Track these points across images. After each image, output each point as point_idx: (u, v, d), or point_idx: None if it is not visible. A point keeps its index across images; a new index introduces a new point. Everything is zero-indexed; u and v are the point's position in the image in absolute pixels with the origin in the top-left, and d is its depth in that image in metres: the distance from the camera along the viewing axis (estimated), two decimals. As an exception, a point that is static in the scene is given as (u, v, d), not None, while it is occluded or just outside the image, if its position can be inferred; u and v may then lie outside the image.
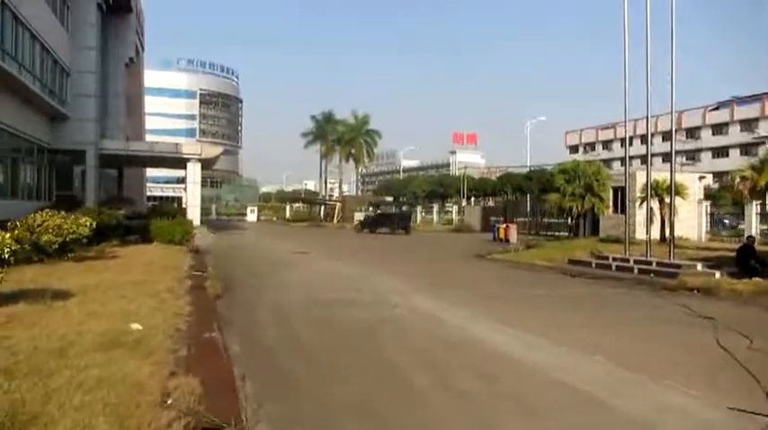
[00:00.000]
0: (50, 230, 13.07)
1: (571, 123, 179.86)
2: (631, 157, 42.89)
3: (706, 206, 34.42)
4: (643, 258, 17.83)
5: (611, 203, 32.16)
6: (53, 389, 4.52)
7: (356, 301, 10.45)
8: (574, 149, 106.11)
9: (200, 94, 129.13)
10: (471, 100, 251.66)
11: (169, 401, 4.55)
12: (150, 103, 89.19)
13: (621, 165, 77.82)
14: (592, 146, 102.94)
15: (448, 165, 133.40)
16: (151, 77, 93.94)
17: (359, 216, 48.40)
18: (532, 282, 14.80)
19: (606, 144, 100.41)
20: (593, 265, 18.30)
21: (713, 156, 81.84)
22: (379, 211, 47.30)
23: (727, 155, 78.20)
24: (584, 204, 30.41)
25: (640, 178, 33.15)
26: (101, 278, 11.20)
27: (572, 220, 34.96)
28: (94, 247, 17.10)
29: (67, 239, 13.27)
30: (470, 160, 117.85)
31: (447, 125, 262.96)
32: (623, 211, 34.47)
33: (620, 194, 34.21)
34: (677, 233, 28.20)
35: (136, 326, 6.82)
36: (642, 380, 5.88)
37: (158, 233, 21.54)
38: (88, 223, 13.82)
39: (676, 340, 7.90)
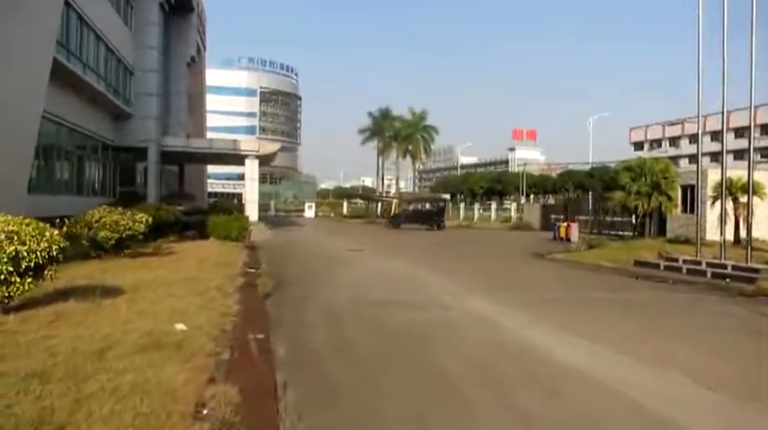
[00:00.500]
0: (107, 226, 13.18)
1: (634, 120, 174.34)
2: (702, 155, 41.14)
3: (781, 205, 32.51)
4: (717, 261, 16.75)
5: (679, 202, 30.71)
6: (85, 396, 4.30)
7: (408, 302, 10.06)
8: (638, 146, 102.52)
9: (261, 92, 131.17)
10: (530, 95, 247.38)
11: (204, 411, 4.27)
12: (212, 101, 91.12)
13: (690, 162, 75.21)
14: (658, 143, 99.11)
15: (506, 161, 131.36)
16: (213, 76, 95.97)
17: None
18: (595, 284, 14.05)
19: (673, 141, 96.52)
20: (662, 268, 17.33)
21: (790, 155, 77.58)
22: (411, 207, 46.16)
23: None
24: (650, 203, 29.09)
25: (712, 176, 31.52)
26: (154, 275, 11.17)
27: (637, 220, 33.62)
28: (152, 243, 17.33)
29: (124, 236, 13.36)
30: (530, 157, 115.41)
31: (505, 121, 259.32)
32: (692, 211, 33.03)
33: (690, 193, 32.69)
34: (754, 235, 26.73)
35: (180, 326, 6.62)
36: (723, 402, 5.27)
37: (215, 229, 21.69)
38: (144, 219, 13.89)
39: (763, 354, 7.18)
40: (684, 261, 17.41)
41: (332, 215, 68.90)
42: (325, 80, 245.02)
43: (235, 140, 41.24)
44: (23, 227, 7.09)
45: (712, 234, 30.14)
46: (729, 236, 27.09)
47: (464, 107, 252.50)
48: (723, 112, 18.12)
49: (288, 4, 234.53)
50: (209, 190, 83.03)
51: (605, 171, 69.25)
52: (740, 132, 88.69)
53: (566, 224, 34.47)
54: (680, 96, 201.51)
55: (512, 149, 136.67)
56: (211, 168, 69.69)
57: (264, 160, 43.56)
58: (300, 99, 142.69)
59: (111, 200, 30.27)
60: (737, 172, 25.93)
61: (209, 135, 57.95)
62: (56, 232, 7.34)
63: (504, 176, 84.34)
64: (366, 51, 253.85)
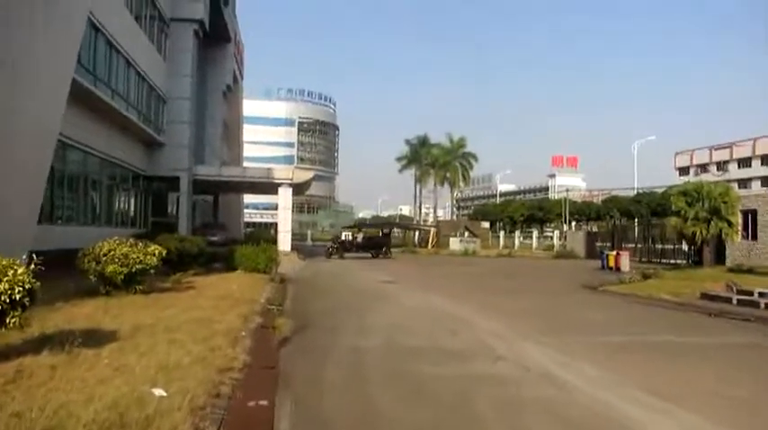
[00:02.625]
0: (116, 260, 11.97)
1: (676, 145, 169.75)
2: (749, 179, 38.48)
3: None
4: (803, 295, 14.77)
5: (740, 229, 28.46)
6: None
7: (448, 350, 8.46)
8: (684, 171, 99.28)
9: (299, 122, 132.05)
10: (570, 122, 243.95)
11: None
12: (251, 132, 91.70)
13: (740, 187, 71.61)
14: (704, 167, 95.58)
15: (546, 188, 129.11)
16: (252, 107, 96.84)
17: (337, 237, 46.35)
18: (665, 323, 12.19)
19: (721, 165, 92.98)
20: (734, 302, 15.35)
21: None
22: (360, 236, 41.24)
23: None
24: (708, 229, 26.91)
25: (776, 200, 29.36)
26: (161, 315, 9.87)
27: (692, 247, 31.41)
28: (172, 277, 16.14)
29: (134, 270, 12.12)
30: (571, 183, 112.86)
31: (545, 148, 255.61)
32: (755, 237, 30.68)
33: (752, 218, 30.45)
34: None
35: (159, 392, 5.20)
36: None
37: (242, 261, 20.49)
38: (157, 252, 12.66)
39: None
40: (761, 294, 15.41)
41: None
42: (362, 109, 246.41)
43: (268, 168, 40.48)
44: (-21, 265, 5.84)
45: (779, 263, 27.86)
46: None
47: (503, 134, 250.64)
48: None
49: (327, 35, 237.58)
50: (248, 220, 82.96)
51: (652, 197, 66.72)
52: (765, 159, 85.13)
53: (615, 253, 32.43)
54: (725, 120, 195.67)
55: (552, 176, 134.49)
56: (249, 198, 69.36)
57: (299, 188, 42.63)
58: (338, 128, 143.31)
59: (143, 230, 29.53)
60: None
61: (247, 165, 57.55)
62: (21, 270, 6.05)
63: (545, 203, 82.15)
64: (404, 80, 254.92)
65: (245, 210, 74.30)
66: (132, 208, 31.68)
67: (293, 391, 6.10)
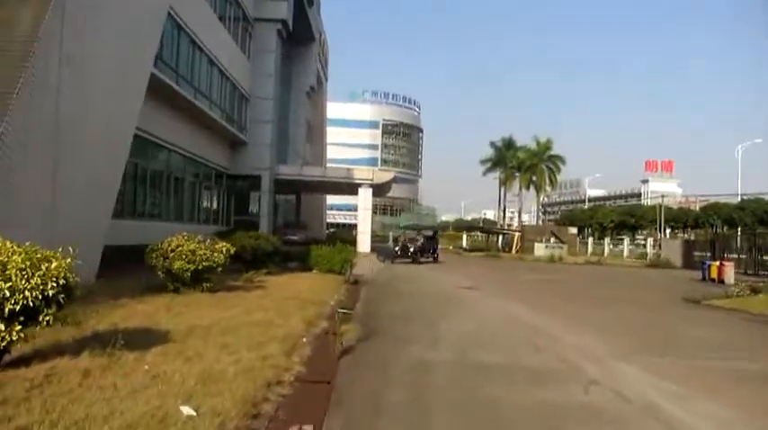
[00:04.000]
0: (183, 256, 11.61)
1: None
2: None
3: None
4: None
5: None
6: None
7: (532, 370, 7.38)
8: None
9: (383, 125, 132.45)
10: (664, 124, 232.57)
11: None
12: (336, 134, 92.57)
13: None
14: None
15: (638, 194, 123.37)
16: (337, 109, 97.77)
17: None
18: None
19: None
20: None
21: None
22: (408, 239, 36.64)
23: None
24: (831, 240, 24.18)
25: None
26: (221, 316, 9.34)
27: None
28: (244, 275, 15.78)
29: (200, 267, 11.72)
30: (665, 189, 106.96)
31: (637, 152, 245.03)
32: None
33: None
34: None
35: (188, 410, 4.51)
36: None
37: (317, 261, 20.03)
38: (224, 249, 12.23)
39: None
40: None
41: (450, 248, 66.27)
42: (447, 112, 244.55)
43: (348, 169, 40.15)
44: (12, 257, 5.35)
45: None
46: None
47: (592, 137, 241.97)
48: None
49: (412, 37, 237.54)
50: (331, 220, 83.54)
51: (758, 204, 62.03)
52: None
53: (718, 263, 29.85)
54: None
55: (645, 181, 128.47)
56: (333, 199, 69.73)
57: (379, 190, 42.13)
58: (422, 131, 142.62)
59: (226, 228, 29.81)
60: None
61: (331, 166, 57.71)
62: (56, 264, 5.53)
63: (637, 210, 78.25)
64: (490, 81, 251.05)
65: (329, 211, 74.71)
66: (215, 205, 32.07)
67: (346, 414, 5.26)
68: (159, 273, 11.86)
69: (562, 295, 19.20)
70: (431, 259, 32.68)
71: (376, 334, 9.31)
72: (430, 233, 37.57)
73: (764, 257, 37.33)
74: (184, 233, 12.42)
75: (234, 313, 9.72)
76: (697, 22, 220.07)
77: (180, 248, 11.75)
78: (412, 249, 32.02)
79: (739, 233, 49.99)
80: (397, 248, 33.84)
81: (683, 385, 6.80)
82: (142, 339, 7.05)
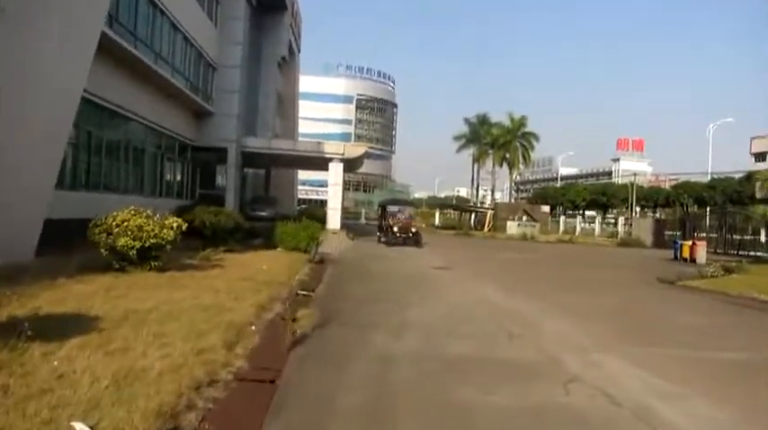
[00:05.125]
0: (129, 232, 10.60)
1: (754, 128, 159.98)
2: None
3: None
4: None
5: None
6: None
7: (504, 362, 6.61)
8: (760, 157, 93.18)
9: (357, 99, 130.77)
10: (635, 103, 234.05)
11: None
12: (308, 108, 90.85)
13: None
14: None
15: (609, 173, 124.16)
16: (310, 82, 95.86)
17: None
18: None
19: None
20: None
21: None
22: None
23: None
24: (804, 220, 24.02)
25: None
26: (165, 299, 8.41)
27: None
28: (201, 253, 14.79)
29: (147, 244, 10.73)
30: (636, 168, 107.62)
31: (608, 131, 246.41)
32: None
33: None
34: None
35: (81, 427, 3.62)
36: None
37: (282, 238, 19.09)
38: (175, 225, 11.24)
39: None
40: None
41: (423, 226, 65.63)
42: (421, 87, 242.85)
43: (319, 142, 38.92)
44: None
45: None
46: None
47: (565, 116, 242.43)
48: None
49: (388, 12, 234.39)
50: (303, 196, 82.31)
51: (728, 183, 62.37)
52: None
53: (690, 242, 29.65)
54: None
55: (616, 160, 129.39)
56: (305, 175, 68.45)
57: (351, 164, 41.06)
58: (396, 107, 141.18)
59: (190, 202, 28.60)
60: None
61: (302, 140, 56.36)
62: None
63: (609, 188, 78.37)
64: (464, 57, 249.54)
65: (301, 187, 73.50)
66: (179, 178, 30.78)
67: (285, 425, 4.41)
68: (102, 250, 10.84)
69: (536, 276, 18.62)
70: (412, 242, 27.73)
71: (336, 320, 8.46)
72: (406, 210, 32.82)
73: (735, 236, 37.44)
74: (132, 207, 11.38)
75: (180, 295, 8.80)
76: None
77: (125, 224, 10.74)
78: (396, 229, 28.23)
79: (709, 212, 50.23)
80: (380, 234, 30.13)
81: (673, 381, 6.08)
82: (63, 327, 6.13)
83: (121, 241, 10.53)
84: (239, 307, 8.25)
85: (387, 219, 30.07)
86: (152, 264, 11.09)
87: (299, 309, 8.83)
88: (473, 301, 11.49)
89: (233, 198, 32.66)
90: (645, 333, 9.01)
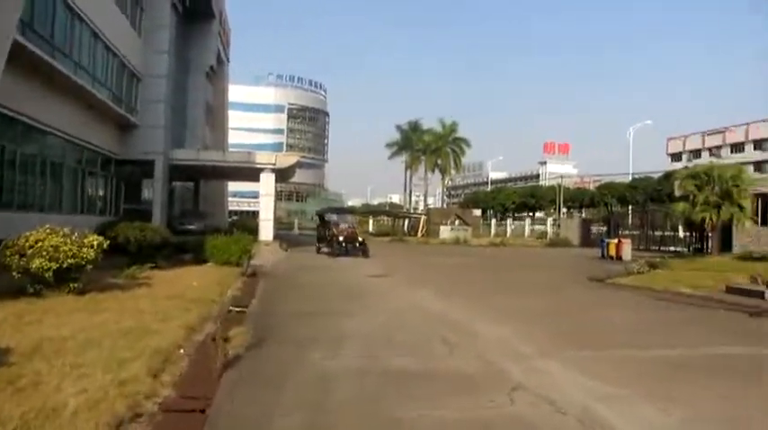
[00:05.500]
0: (44, 253, 9.91)
1: (669, 130, 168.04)
2: (743, 164, 37.53)
3: None
4: None
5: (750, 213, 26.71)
6: None
7: (445, 373, 6.45)
8: (676, 157, 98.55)
9: (289, 109, 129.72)
10: (561, 108, 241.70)
11: None
12: (239, 118, 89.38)
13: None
14: (696, 153, 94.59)
15: (537, 176, 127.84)
16: (240, 92, 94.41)
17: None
18: (710, 327, 10.13)
19: (713, 150, 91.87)
20: (767, 297, 13.55)
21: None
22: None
23: None
24: (719, 215, 25.19)
25: (790, 184, 27.65)
26: (85, 324, 7.85)
27: (702, 234, 29.82)
28: (126, 271, 14.07)
29: (65, 265, 10.05)
30: (562, 170, 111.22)
31: (536, 135, 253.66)
32: (764, 223, 29.00)
33: (761, 203, 28.76)
34: None
35: None
36: None
37: (213, 252, 18.47)
38: (95, 244, 10.59)
39: None
40: (801, 288, 13.62)
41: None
42: (353, 96, 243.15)
43: (249, 153, 38.21)
44: None
45: (794, 251, 26.16)
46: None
47: (494, 121, 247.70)
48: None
49: (318, 20, 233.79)
50: (235, 208, 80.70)
51: (648, 182, 65.16)
52: (759, 144, 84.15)
53: (616, 241, 30.73)
54: (718, 105, 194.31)
55: (543, 163, 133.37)
56: (236, 186, 67.18)
57: (283, 174, 40.47)
58: (328, 115, 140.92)
59: (114, 218, 27.41)
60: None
61: (232, 151, 55.21)
62: None
63: (538, 191, 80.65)
64: (395, 66, 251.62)
65: (232, 198, 72.10)
66: (102, 194, 29.50)
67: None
68: (14, 273, 10.08)
69: (471, 280, 18.72)
70: (359, 252, 25.87)
71: (271, 337, 8.10)
72: (348, 218, 31.17)
73: (656, 233, 39.09)
74: (48, 226, 10.66)
75: (102, 319, 8.24)
76: (594, 6, 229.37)
77: (40, 244, 10.02)
78: (342, 238, 26.12)
79: (631, 211, 52.28)
80: (321, 245, 28.59)
81: (615, 384, 6.05)
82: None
83: (36, 263, 9.81)
84: (166, 329, 7.79)
85: (329, 229, 28.23)
86: (71, 286, 10.39)
87: (232, 327, 8.44)
88: (411, 310, 11.34)
89: (160, 212, 31.56)
90: (582, 334, 9.07)
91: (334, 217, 30.44)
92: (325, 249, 27.61)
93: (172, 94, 33.92)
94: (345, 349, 7.61)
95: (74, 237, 10.40)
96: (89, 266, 10.55)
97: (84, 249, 10.29)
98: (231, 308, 10.35)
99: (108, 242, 11.18)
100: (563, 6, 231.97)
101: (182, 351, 6.84)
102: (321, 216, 32.08)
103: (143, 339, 7.07)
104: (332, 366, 6.65)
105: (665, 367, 6.99)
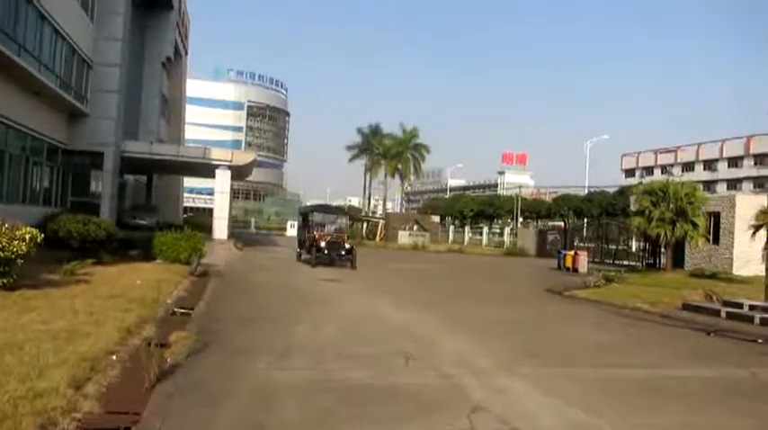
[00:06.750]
0: (-30, 247, 9.10)
1: (624, 147, 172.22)
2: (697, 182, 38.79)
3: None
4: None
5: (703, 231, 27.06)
6: None
7: (401, 391, 5.97)
8: (630, 173, 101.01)
9: (248, 106, 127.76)
10: (521, 119, 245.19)
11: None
12: (198, 114, 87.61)
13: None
14: (649, 170, 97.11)
15: (495, 185, 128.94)
16: (200, 88, 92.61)
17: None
18: (672, 346, 9.92)
19: (665, 168, 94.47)
20: (723, 315, 13.55)
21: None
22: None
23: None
24: (674, 231, 25.45)
25: (741, 203, 28.13)
26: (10, 323, 7.18)
27: (655, 249, 30.16)
28: (65, 266, 13.21)
29: (-8, 260, 9.26)
30: (519, 181, 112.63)
31: (494, 144, 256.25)
32: (716, 241, 29.51)
33: (713, 221, 29.23)
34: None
35: None
36: None
37: (162, 249, 17.66)
38: (27, 237, 9.81)
39: None
40: (752, 307, 13.65)
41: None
42: (314, 97, 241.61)
43: (206, 148, 37.14)
44: None
45: (740, 268, 26.61)
46: (757, 270, 23.62)
47: (454, 128, 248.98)
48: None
49: (281, 18, 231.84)
50: (190, 204, 78.97)
51: (603, 196, 66.21)
52: (733, 161, 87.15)
53: (573, 253, 30.88)
54: (674, 123, 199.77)
55: (501, 173, 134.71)
56: (194, 182, 65.72)
57: (240, 172, 39.52)
58: (289, 115, 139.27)
59: (60, 209, 26.14)
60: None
61: (187, 146, 53.88)
62: None
63: (496, 200, 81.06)
64: (358, 69, 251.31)
65: (188, 195, 70.55)
66: (47, 184, 28.13)
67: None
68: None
69: (429, 287, 18.35)
70: (346, 262, 22.29)
71: (215, 344, 7.51)
72: (337, 220, 26.26)
73: (610, 246, 39.59)
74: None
75: (28, 319, 7.53)
76: (550, 15, 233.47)
77: (-34, 237, 9.22)
78: (324, 244, 22.12)
79: (587, 223, 53.00)
80: (301, 250, 24.34)
81: (585, 408, 5.68)
82: None
83: (-40, 257, 9.02)
84: (100, 332, 7.13)
85: (312, 231, 23.69)
86: (1, 281, 9.60)
87: (174, 331, 7.83)
88: (366, 318, 10.86)
89: (109, 206, 30.27)
90: (542, 350, 8.74)
91: (319, 217, 25.57)
92: (306, 256, 23.34)
93: (125, 84, 32.65)
94: (295, 360, 7.08)
95: (3, 229, 9.59)
96: (20, 261, 9.75)
97: (16, 242, 9.50)
98: (175, 309, 9.72)
99: (43, 236, 10.38)
100: (524, 18, 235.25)
101: (114, 357, 6.21)
102: (304, 215, 26.98)
103: (72, 343, 6.42)
104: (279, 379, 6.11)
105: (632, 389, 6.68)
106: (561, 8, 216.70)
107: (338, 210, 30.27)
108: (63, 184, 29.60)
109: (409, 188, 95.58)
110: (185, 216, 54.30)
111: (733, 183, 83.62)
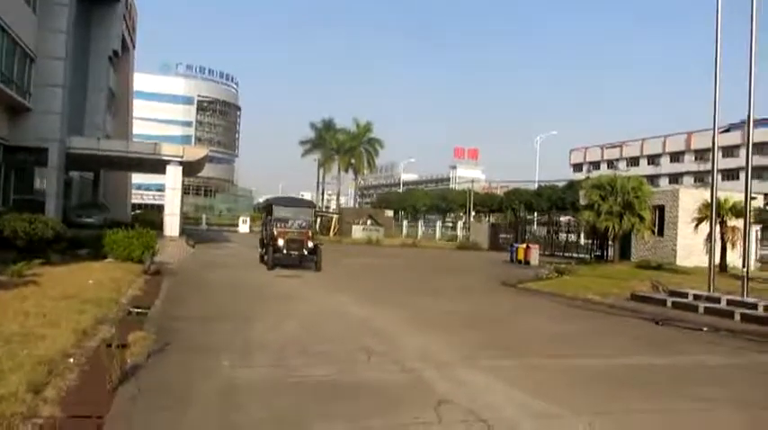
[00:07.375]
0: None
1: (574, 141, 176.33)
2: (644, 176, 40.19)
3: (757, 230, 30.32)
4: (739, 298, 13.60)
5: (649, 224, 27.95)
6: None
7: (364, 385, 6.03)
8: (578, 168, 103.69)
9: (198, 101, 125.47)
10: (472, 113, 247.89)
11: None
12: (147, 108, 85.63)
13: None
14: (596, 164, 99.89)
15: (448, 179, 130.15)
16: (148, 81, 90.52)
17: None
18: (623, 336, 10.25)
19: (611, 163, 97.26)
20: (669, 304, 14.08)
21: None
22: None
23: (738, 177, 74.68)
24: (621, 224, 26.20)
25: (684, 197, 29.19)
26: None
27: (604, 242, 30.99)
28: (11, 268, 12.77)
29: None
30: (471, 175, 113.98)
31: (447, 139, 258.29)
32: (661, 233, 30.54)
33: (658, 214, 30.22)
34: (732, 262, 24.18)
35: None
36: None
37: (113, 247, 17.25)
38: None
39: None
40: (697, 297, 14.21)
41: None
42: (266, 92, 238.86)
43: (155, 144, 36.31)
44: None
45: (683, 259, 27.65)
46: (697, 262, 24.60)
47: (406, 123, 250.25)
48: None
49: (230, 13, 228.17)
50: (138, 201, 77.22)
51: (553, 190, 67.68)
52: (675, 156, 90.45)
53: (525, 246, 31.49)
54: (621, 119, 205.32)
55: (453, 167, 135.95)
56: (142, 178, 64.27)
57: (191, 168, 38.88)
58: (240, 109, 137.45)
59: (3, 208, 25.22)
60: (724, 194, 23.38)
61: (136, 142, 52.61)
62: None
63: (449, 194, 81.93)
64: (310, 64, 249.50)
65: (136, 191, 68.96)
66: (-13, 182, 27.13)
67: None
68: None
69: (386, 282, 18.46)
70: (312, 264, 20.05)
71: (175, 343, 7.41)
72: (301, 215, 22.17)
73: (559, 239, 40.61)
74: None
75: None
76: (511, 13, 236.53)
77: None
78: (283, 243, 19.79)
79: (536, 217, 54.14)
80: (261, 250, 21.72)
81: (546, 397, 5.83)
82: None
83: None
84: (55, 334, 6.94)
85: (271, 228, 21.00)
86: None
87: (132, 331, 7.69)
88: (326, 314, 10.88)
89: (55, 204, 29.37)
90: (502, 342, 8.94)
91: (284, 211, 22.10)
92: (266, 257, 20.38)
93: (70, 77, 31.68)
94: (257, 358, 7.06)
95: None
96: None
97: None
98: (131, 309, 9.54)
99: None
100: (477, 10, 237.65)
101: (71, 360, 6.07)
102: (268, 208, 23.47)
103: (26, 346, 6.24)
104: (242, 377, 6.09)
105: (590, 378, 6.92)
106: (503, 3, 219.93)
107: (303, 203, 26.65)
108: (5, 182, 28.61)
109: (362, 183, 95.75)
110: (134, 213, 53.11)
111: (675, 178, 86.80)
